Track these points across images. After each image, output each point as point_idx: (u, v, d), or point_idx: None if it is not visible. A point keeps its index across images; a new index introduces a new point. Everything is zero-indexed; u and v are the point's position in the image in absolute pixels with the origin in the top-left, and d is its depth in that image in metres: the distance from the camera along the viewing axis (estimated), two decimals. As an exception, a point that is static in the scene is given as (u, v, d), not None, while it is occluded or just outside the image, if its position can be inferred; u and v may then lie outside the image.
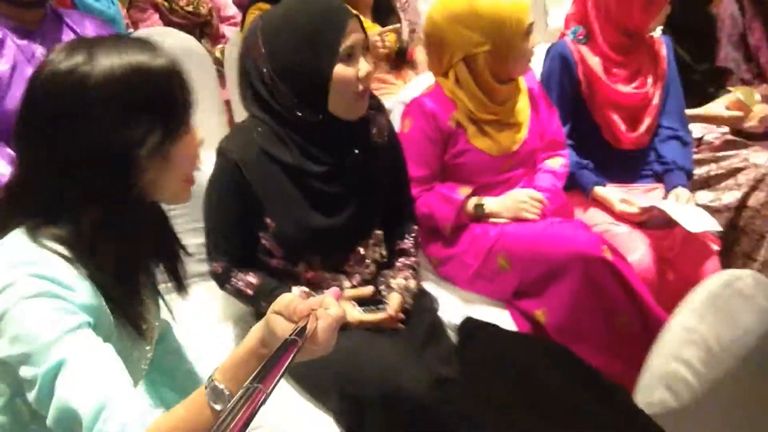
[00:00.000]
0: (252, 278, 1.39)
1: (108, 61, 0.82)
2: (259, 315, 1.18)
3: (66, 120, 0.82)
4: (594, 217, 1.97)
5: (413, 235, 1.56)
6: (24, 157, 0.88)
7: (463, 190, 1.75)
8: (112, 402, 0.75)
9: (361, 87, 1.31)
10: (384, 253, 1.51)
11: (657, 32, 2.08)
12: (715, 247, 1.87)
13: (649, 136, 2.03)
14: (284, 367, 0.66)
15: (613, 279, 1.57)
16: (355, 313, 1.35)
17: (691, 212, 1.85)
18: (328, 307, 0.76)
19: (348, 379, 1.19)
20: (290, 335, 0.70)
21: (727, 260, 2.04)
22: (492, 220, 1.75)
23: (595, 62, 1.95)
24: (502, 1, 1.66)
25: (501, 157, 1.77)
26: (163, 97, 0.85)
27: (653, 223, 1.88)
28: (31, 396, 0.79)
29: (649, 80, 1.99)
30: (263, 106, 1.33)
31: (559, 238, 1.63)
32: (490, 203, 1.76)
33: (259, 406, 0.62)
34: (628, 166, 2.05)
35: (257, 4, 2.38)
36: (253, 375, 0.65)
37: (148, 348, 1.00)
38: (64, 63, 0.83)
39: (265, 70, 1.30)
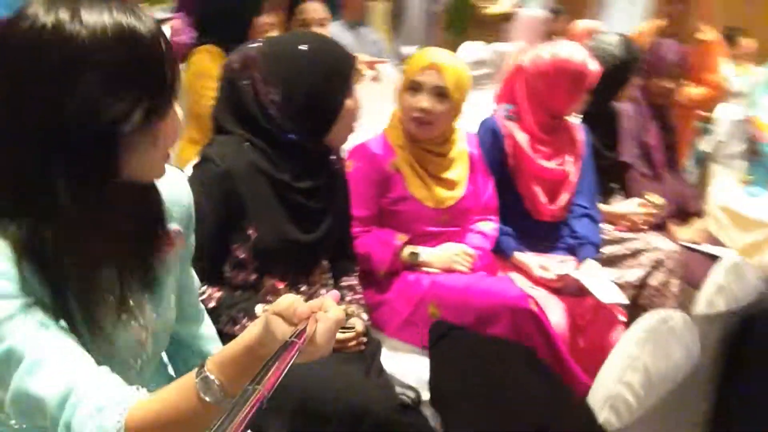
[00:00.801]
0: (216, 291, 1.39)
1: (96, 20, 0.72)
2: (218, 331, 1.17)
3: (43, 84, 0.72)
4: (514, 280, 2.06)
5: (356, 273, 1.61)
6: None
7: (401, 237, 1.82)
8: (77, 387, 0.71)
9: (356, 118, 1.45)
10: (331, 282, 1.56)
11: (575, 119, 2.28)
12: (622, 318, 2.00)
13: (565, 211, 2.18)
14: (284, 369, 0.65)
15: (537, 330, 1.66)
16: None
17: (603, 284, 1.98)
18: (328, 309, 0.74)
19: (311, 396, 1.17)
20: (290, 337, 0.69)
21: (629, 334, 2.17)
22: (425, 269, 1.82)
23: (521, 137, 2.10)
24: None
25: (436, 210, 1.86)
26: (154, 66, 0.76)
27: (567, 290, 2.00)
28: None
29: (569, 159, 2.16)
30: (252, 125, 1.39)
31: (490, 290, 1.71)
32: (425, 253, 1.83)
33: (258, 408, 0.60)
34: (544, 236, 2.18)
35: (204, 46, 2.41)
36: (253, 377, 0.63)
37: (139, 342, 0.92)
38: (46, 18, 0.72)
39: (267, 95, 1.37)
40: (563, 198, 2.15)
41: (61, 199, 0.75)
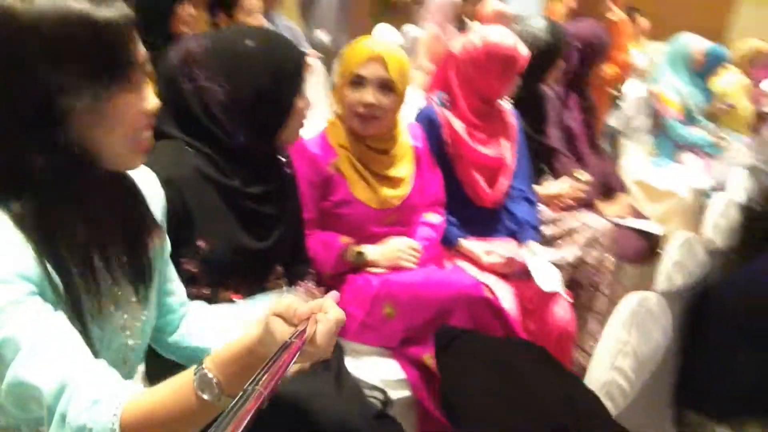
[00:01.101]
0: None
1: (46, 3, 0.76)
2: None
3: None
4: (464, 269, 2.06)
5: (313, 276, 1.53)
6: None
7: (344, 239, 1.75)
8: (73, 378, 0.72)
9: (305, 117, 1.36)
10: (285, 288, 1.47)
11: (506, 104, 2.29)
12: (569, 299, 2.04)
13: (505, 196, 2.20)
14: (284, 370, 0.65)
15: (493, 317, 1.67)
16: None
17: (545, 268, 2.01)
18: (328, 310, 0.76)
19: (286, 420, 1.09)
20: (290, 338, 0.70)
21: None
22: (370, 269, 1.76)
23: (458, 125, 2.09)
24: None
25: (382, 211, 1.80)
26: (100, 49, 0.78)
27: (514, 274, 2.02)
28: None
29: (505, 144, 2.18)
30: (195, 128, 1.26)
31: (443, 283, 1.69)
32: (370, 251, 1.77)
33: (259, 409, 0.61)
34: (486, 222, 2.19)
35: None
36: (253, 377, 0.63)
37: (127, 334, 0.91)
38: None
39: (211, 94, 1.25)
40: (502, 183, 2.16)
41: (34, 172, 0.78)
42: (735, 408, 1.24)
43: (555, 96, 2.70)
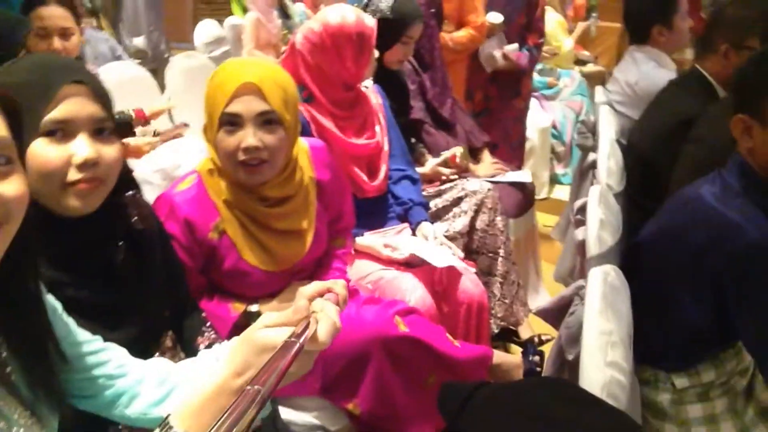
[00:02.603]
0: None
1: None
2: None
3: None
4: (362, 268, 1.96)
5: (209, 325, 1.32)
6: None
7: (236, 306, 1.49)
8: None
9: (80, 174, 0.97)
10: (182, 356, 1.24)
11: (369, 82, 2.19)
12: (473, 270, 2.02)
13: (386, 181, 2.12)
14: (285, 369, 0.64)
15: (412, 348, 1.56)
16: None
17: (436, 249, 1.96)
18: (326, 308, 0.75)
19: None
20: (289, 337, 0.69)
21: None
22: None
23: (325, 120, 1.96)
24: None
25: (281, 272, 1.52)
26: None
27: (415, 263, 1.95)
28: None
29: (377, 129, 2.08)
30: None
31: (354, 326, 1.51)
32: (266, 307, 1.50)
33: (259, 409, 0.59)
34: (375, 212, 2.10)
35: None
36: (253, 378, 0.62)
37: None
38: None
39: None
40: (383, 170, 2.08)
41: None
42: (687, 357, 1.27)
43: (410, 67, 2.65)
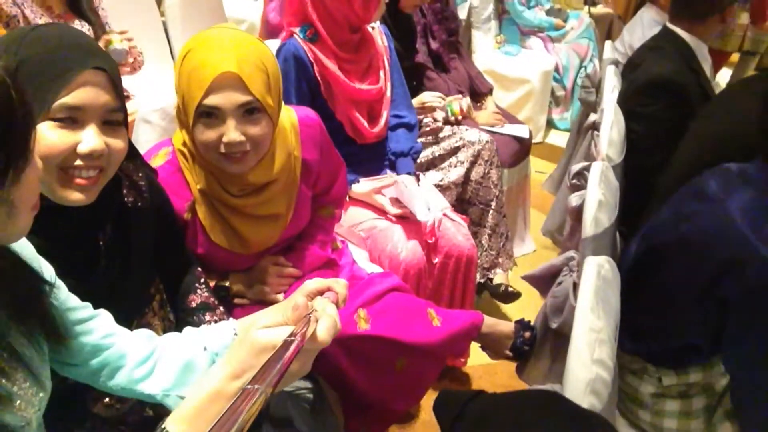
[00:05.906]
0: None
1: None
2: None
3: None
4: (356, 215, 1.98)
5: (203, 282, 1.31)
6: None
7: (208, 279, 1.41)
8: None
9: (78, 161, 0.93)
10: (171, 317, 1.26)
11: (376, 24, 2.13)
12: (464, 223, 2.04)
13: (386, 128, 2.10)
14: (285, 368, 0.63)
15: (374, 343, 1.46)
16: None
17: (419, 199, 1.94)
18: (325, 307, 0.75)
19: None
20: (289, 337, 0.68)
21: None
22: (236, 300, 1.50)
23: (329, 62, 1.92)
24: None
25: (254, 254, 1.48)
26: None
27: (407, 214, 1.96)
28: None
29: (381, 74, 2.04)
30: None
31: None
32: (235, 282, 1.50)
33: (259, 408, 0.58)
34: (372, 159, 2.09)
35: None
36: (253, 377, 0.61)
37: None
38: None
39: None
40: (384, 116, 2.05)
41: None
42: (680, 358, 1.28)
43: (417, 18, 2.58)
